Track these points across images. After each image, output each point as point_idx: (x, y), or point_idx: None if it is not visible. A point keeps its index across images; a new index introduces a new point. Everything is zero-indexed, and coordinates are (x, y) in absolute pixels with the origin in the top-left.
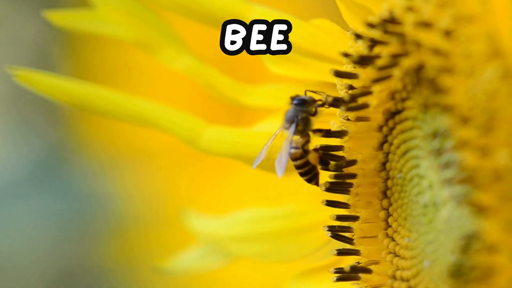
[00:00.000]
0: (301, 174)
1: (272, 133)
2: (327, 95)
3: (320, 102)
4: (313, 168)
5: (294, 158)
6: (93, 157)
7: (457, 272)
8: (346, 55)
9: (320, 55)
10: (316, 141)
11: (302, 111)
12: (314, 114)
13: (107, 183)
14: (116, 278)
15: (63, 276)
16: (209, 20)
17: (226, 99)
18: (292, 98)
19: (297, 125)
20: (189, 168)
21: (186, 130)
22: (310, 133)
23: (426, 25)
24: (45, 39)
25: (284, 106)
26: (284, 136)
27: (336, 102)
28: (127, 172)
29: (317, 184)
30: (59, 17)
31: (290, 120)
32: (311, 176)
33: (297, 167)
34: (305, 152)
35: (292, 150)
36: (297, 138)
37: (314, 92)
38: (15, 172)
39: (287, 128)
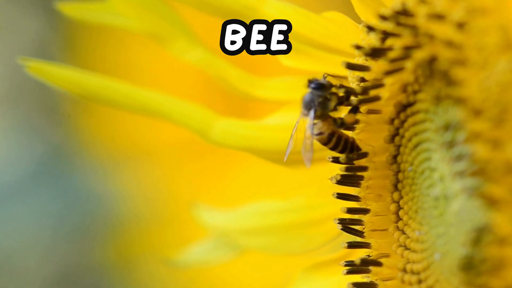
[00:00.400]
0: (340, 152)
1: (283, 125)
2: (343, 87)
3: (336, 89)
4: (346, 141)
5: (323, 143)
6: (94, 156)
7: (468, 265)
8: (358, 47)
9: (331, 47)
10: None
11: (319, 96)
12: (333, 105)
13: (108, 182)
14: (117, 278)
15: (63, 275)
16: (222, 12)
17: (237, 92)
18: (310, 82)
19: (316, 110)
20: (190, 166)
21: (197, 122)
22: (331, 115)
23: (438, 17)
24: (46, 36)
25: (295, 98)
26: (305, 123)
27: (347, 95)
28: (128, 171)
29: (358, 149)
30: (71, 9)
31: (308, 106)
32: (350, 147)
33: (332, 149)
34: (331, 135)
35: (317, 137)
36: (318, 122)
37: (333, 76)
38: (16, 171)
39: (306, 115)
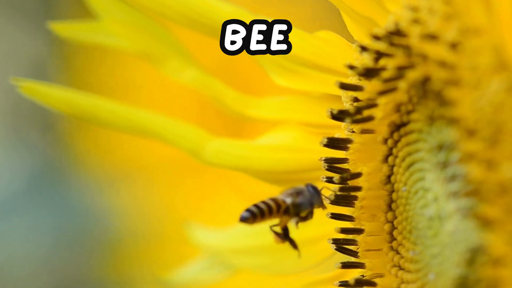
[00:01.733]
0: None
1: (276, 145)
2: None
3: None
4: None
5: (268, 212)
6: (90, 172)
7: (462, 286)
8: (351, 67)
9: (325, 67)
10: (322, 154)
11: (308, 201)
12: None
13: (104, 198)
14: None
15: None
16: (214, 32)
17: (231, 111)
18: (311, 186)
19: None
20: (186, 183)
21: (190, 142)
22: (295, 220)
23: (432, 37)
24: (43, 54)
25: (289, 118)
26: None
27: (341, 115)
28: (124, 187)
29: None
30: (64, 29)
31: (297, 203)
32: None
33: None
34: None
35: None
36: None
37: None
38: (10, 187)
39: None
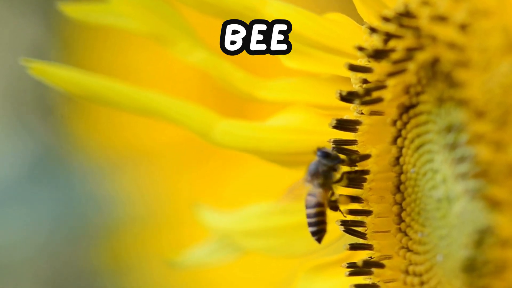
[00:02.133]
0: (309, 224)
1: (286, 126)
2: (353, 154)
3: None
4: (322, 222)
5: (307, 206)
6: (91, 158)
7: (470, 267)
8: (360, 49)
9: (334, 49)
10: (331, 135)
11: (324, 165)
12: (337, 172)
13: (105, 184)
14: (113, 280)
15: (59, 277)
16: (223, 13)
17: (239, 93)
18: (318, 150)
19: (318, 178)
20: (190, 168)
21: (199, 123)
22: (333, 187)
23: (441, 19)
24: (44, 38)
25: (298, 100)
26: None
27: (350, 97)
28: (126, 173)
29: (319, 241)
30: (73, 10)
31: (312, 173)
32: (317, 229)
33: (308, 216)
34: (320, 204)
35: (308, 198)
36: (317, 191)
37: (342, 147)
38: (11, 173)
39: (309, 182)
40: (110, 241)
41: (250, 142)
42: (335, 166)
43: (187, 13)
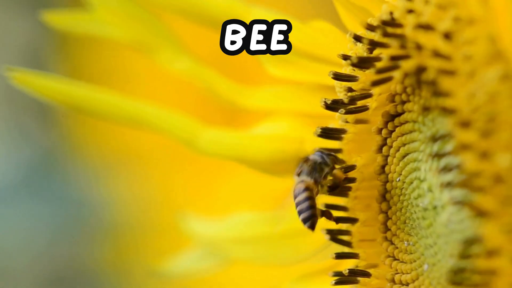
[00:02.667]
0: (300, 212)
1: (271, 135)
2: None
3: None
4: (313, 206)
5: (297, 194)
6: (86, 161)
7: (457, 276)
8: (345, 57)
9: (319, 57)
10: (316, 144)
11: (322, 163)
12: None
13: (100, 187)
14: (109, 283)
15: (54, 280)
16: (207, 22)
17: (224, 101)
18: (319, 149)
19: (313, 172)
20: (183, 171)
21: (184, 132)
22: (320, 187)
23: (426, 27)
24: (39, 42)
25: (283, 108)
26: None
27: (335, 105)
28: (121, 176)
29: (311, 227)
30: (56, 19)
31: (311, 165)
32: (309, 214)
33: (297, 204)
34: (310, 189)
35: (297, 186)
36: (308, 179)
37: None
38: (8, 176)
39: (298, 174)
40: (107, 244)
41: (235, 150)
42: (333, 167)
43: (173, 21)
